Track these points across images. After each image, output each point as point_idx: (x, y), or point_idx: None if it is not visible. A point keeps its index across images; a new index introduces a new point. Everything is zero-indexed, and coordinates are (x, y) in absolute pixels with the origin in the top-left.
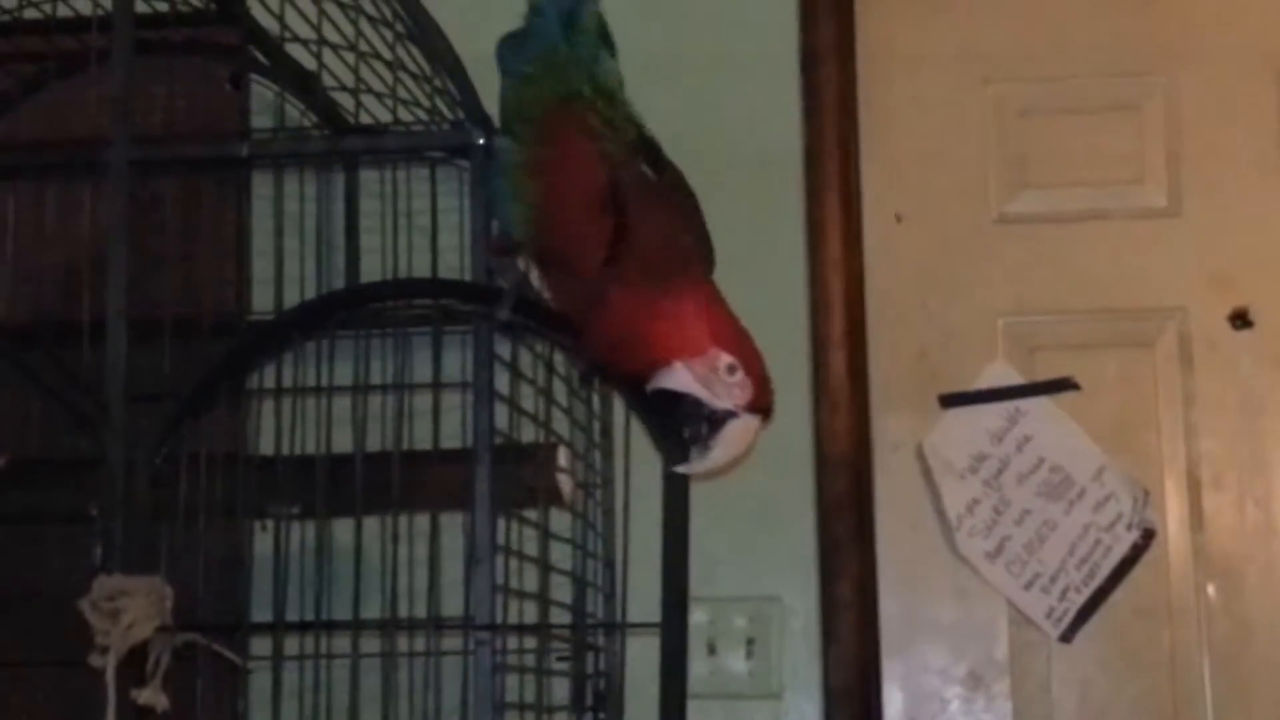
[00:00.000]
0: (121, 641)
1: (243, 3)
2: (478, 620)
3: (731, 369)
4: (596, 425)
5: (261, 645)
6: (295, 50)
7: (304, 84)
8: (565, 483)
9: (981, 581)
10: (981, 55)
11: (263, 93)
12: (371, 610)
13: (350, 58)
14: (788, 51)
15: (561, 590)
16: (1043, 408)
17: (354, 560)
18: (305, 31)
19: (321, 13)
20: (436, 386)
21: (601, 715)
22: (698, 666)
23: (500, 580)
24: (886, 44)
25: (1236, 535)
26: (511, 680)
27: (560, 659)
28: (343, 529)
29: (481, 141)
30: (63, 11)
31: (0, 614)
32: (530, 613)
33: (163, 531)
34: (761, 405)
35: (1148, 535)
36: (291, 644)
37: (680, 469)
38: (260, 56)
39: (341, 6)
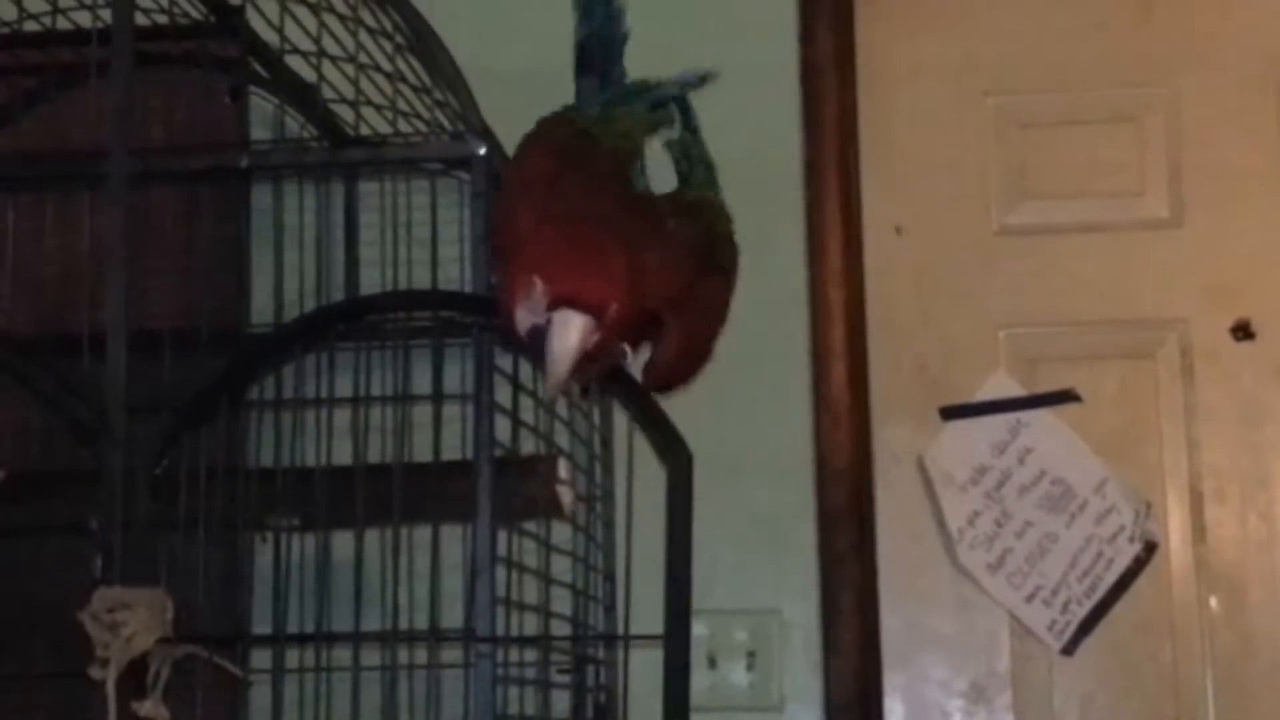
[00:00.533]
0: (122, 654)
1: (242, 15)
2: (479, 632)
3: (535, 287)
4: (597, 437)
5: (262, 658)
6: (295, 62)
7: (304, 96)
8: (566, 495)
9: (983, 594)
10: (982, 67)
11: (262, 105)
12: (372, 622)
13: (350, 70)
14: (787, 63)
15: (561, 602)
16: (1044, 420)
17: (354, 572)
18: (305, 43)
19: (321, 25)
20: (437, 398)
21: None
22: (698, 679)
23: (501, 593)
24: (886, 56)
25: (1239, 547)
26: (512, 693)
27: (561, 671)
28: (343, 541)
29: (482, 152)
30: (62, 24)
31: (0, 626)
32: (531, 625)
33: (163, 544)
34: (562, 297)
35: (1150, 548)
36: (292, 656)
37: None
38: (260, 69)
39: (341, 18)
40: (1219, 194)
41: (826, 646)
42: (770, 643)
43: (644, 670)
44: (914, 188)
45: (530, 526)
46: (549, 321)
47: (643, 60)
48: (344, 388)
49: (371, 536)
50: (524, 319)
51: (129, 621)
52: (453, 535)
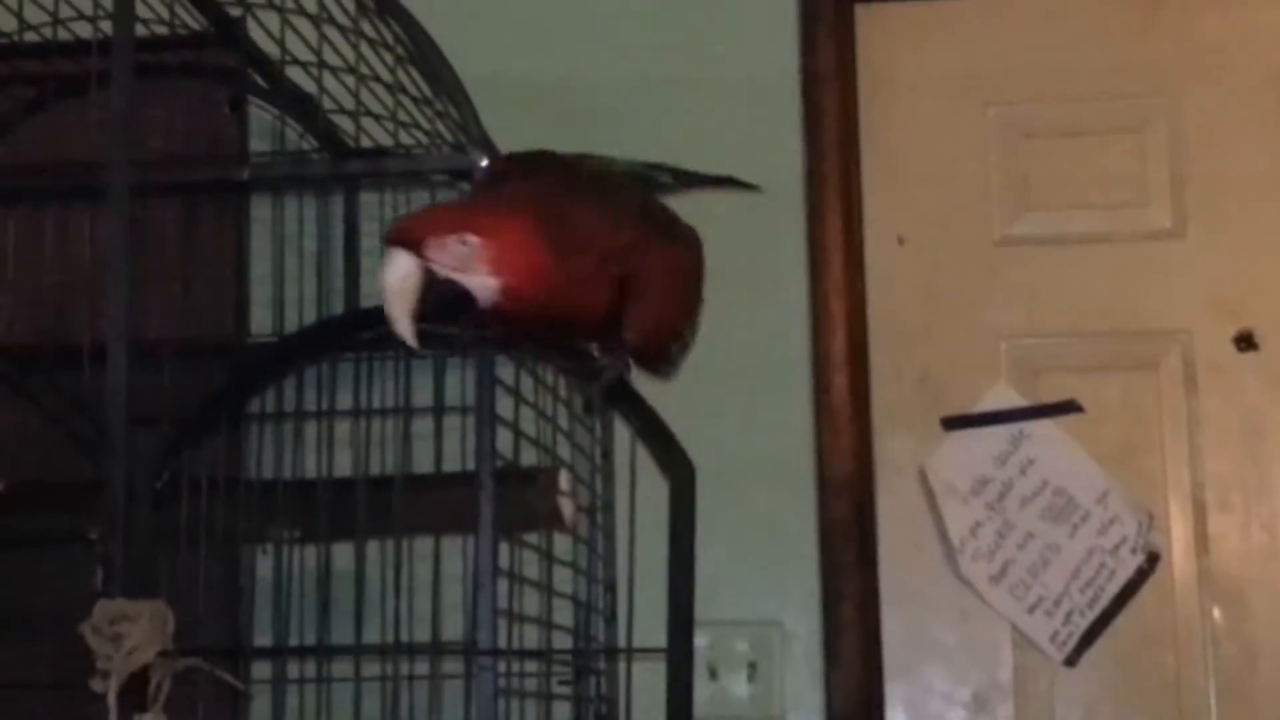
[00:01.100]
0: (123, 666)
1: (242, 26)
2: (480, 645)
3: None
4: (598, 449)
5: (263, 670)
6: (295, 73)
7: (304, 107)
8: (567, 506)
9: (985, 605)
10: (984, 77)
11: (262, 115)
12: (373, 634)
13: (350, 80)
14: (788, 74)
15: (563, 614)
16: (1046, 430)
17: (355, 584)
18: (305, 54)
19: (321, 36)
20: (438, 411)
21: None
22: (699, 690)
23: (502, 605)
24: (888, 66)
25: (1242, 558)
26: (514, 705)
27: (562, 683)
28: (343, 553)
29: (483, 164)
30: (62, 35)
31: (0, 637)
32: (532, 636)
33: (164, 556)
34: (391, 240)
35: (1152, 559)
36: (293, 668)
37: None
38: (260, 79)
39: (341, 30)
40: (1222, 205)
41: (828, 657)
42: (771, 654)
43: (646, 681)
44: (916, 198)
45: (531, 538)
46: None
47: (644, 70)
48: (345, 399)
49: (372, 548)
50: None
51: (130, 634)
52: (453, 546)
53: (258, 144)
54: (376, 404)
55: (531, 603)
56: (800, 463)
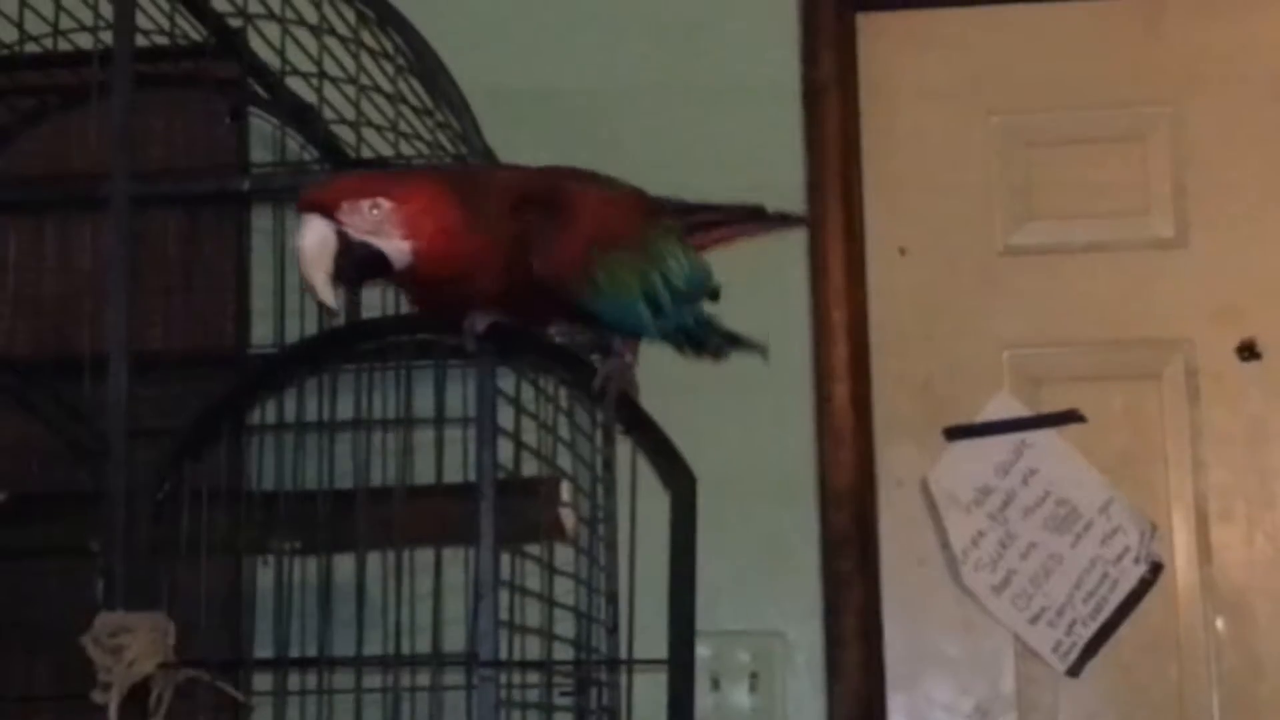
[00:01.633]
0: (124, 678)
1: (243, 36)
2: (481, 657)
3: None
4: (599, 459)
5: (264, 681)
6: (296, 84)
7: (304, 117)
8: (568, 517)
9: (987, 615)
10: (985, 86)
11: (262, 126)
12: (374, 645)
13: (351, 91)
14: (790, 83)
15: (564, 624)
16: (1048, 440)
17: (356, 596)
18: (306, 65)
19: (322, 46)
20: (440, 422)
21: None
22: (701, 702)
23: (504, 616)
24: (889, 75)
25: (1245, 568)
26: (515, 716)
27: (564, 694)
28: (344, 564)
29: None
30: (62, 46)
31: (1, 649)
32: (534, 647)
33: (164, 567)
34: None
35: (1155, 568)
36: (294, 680)
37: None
38: (260, 90)
39: (342, 40)
40: (1225, 213)
41: (830, 668)
42: (773, 664)
43: (647, 693)
44: (917, 208)
45: (533, 549)
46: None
47: (645, 80)
48: (345, 410)
49: (373, 559)
50: None
51: (131, 645)
52: (454, 557)
53: (258, 154)
54: (377, 415)
55: (533, 614)
56: (802, 473)
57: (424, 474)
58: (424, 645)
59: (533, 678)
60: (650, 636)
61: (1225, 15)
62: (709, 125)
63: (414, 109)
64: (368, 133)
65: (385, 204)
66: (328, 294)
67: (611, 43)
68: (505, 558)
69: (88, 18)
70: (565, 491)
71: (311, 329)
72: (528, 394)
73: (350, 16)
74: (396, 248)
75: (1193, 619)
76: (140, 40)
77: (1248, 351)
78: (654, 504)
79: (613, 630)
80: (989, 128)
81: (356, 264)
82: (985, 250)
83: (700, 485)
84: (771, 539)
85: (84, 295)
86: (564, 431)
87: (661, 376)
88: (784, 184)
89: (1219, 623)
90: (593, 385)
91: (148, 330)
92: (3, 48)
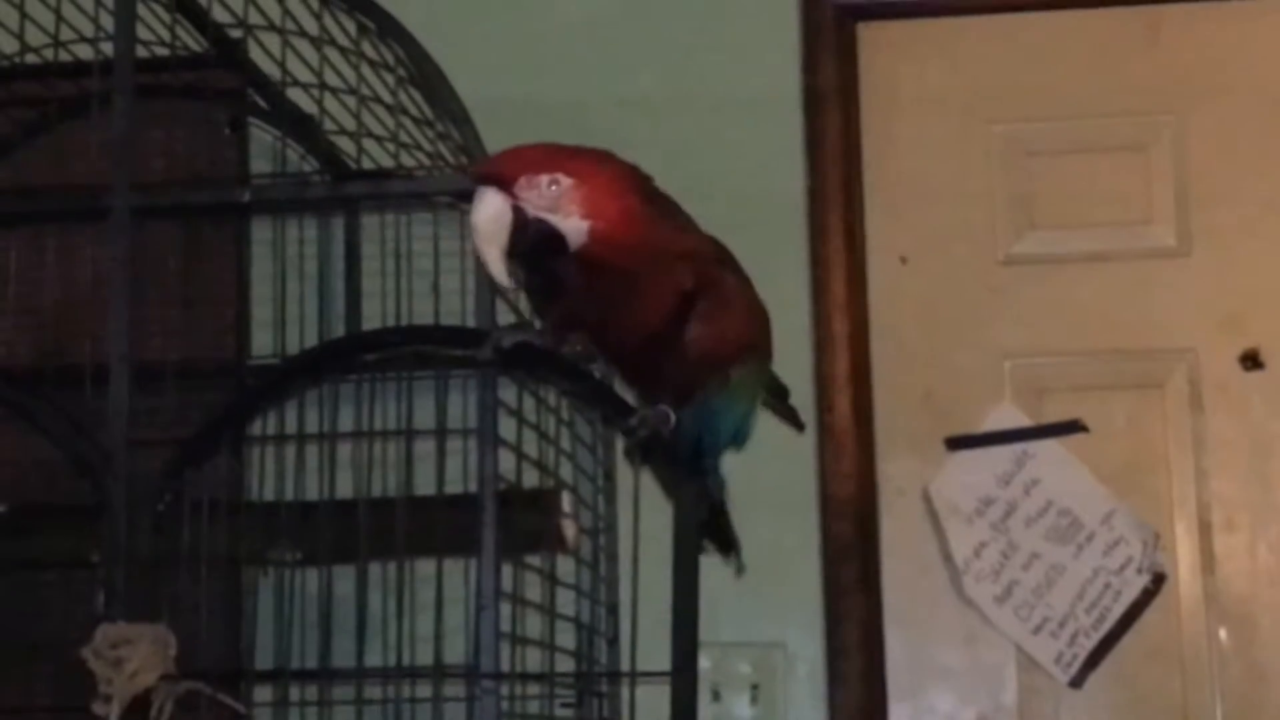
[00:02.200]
0: (125, 690)
1: (243, 47)
2: (483, 669)
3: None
4: (600, 470)
5: (265, 693)
6: (296, 95)
7: (304, 128)
8: (569, 528)
9: (989, 626)
10: (987, 95)
11: (263, 137)
12: (375, 656)
13: (351, 102)
14: (790, 93)
15: (565, 635)
16: (1051, 450)
17: (357, 607)
18: (306, 76)
19: (322, 57)
20: (441, 433)
21: None
22: (702, 712)
23: (505, 627)
24: (890, 85)
25: (1248, 578)
26: None
27: (565, 706)
28: (345, 575)
29: None
30: (63, 57)
31: (2, 661)
32: (534, 659)
33: (165, 579)
34: (479, 177)
35: (1158, 579)
36: (295, 692)
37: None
38: (260, 101)
39: (342, 51)
40: (1227, 223)
41: (831, 679)
42: (774, 675)
43: (649, 704)
44: (918, 217)
45: (534, 560)
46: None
47: (647, 90)
48: (346, 421)
49: (374, 571)
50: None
51: (132, 658)
52: (455, 568)
53: (258, 164)
54: (378, 426)
55: (534, 625)
56: (803, 484)
57: (425, 485)
58: (425, 657)
59: (534, 689)
60: (651, 648)
61: (1227, 25)
62: (710, 135)
63: (414, 120)
64: (368, 144)
65: (565, 180)
66: (500, 271)
67: (612, 53)
68: (506, 569)
69: (88, 29)
70: (566, 502)
71: (311, 340)
72: (529, 405)
73: (351, 27)
74: (575, 226)
75: (1196, 630)
76: (140, 51)
77: (1251, 361)
78: (654, 509)
79: (614, 641)
80: (990, 137)
81: (531, 241)
82: (987, 260)
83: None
84: (772, 549)
85: (85, 306)
86: (565, 443)
87: None
88: (785, 193)
89: (1222, 633)
90: (628, 424)
91: (148, 341)
92: (3, 59)
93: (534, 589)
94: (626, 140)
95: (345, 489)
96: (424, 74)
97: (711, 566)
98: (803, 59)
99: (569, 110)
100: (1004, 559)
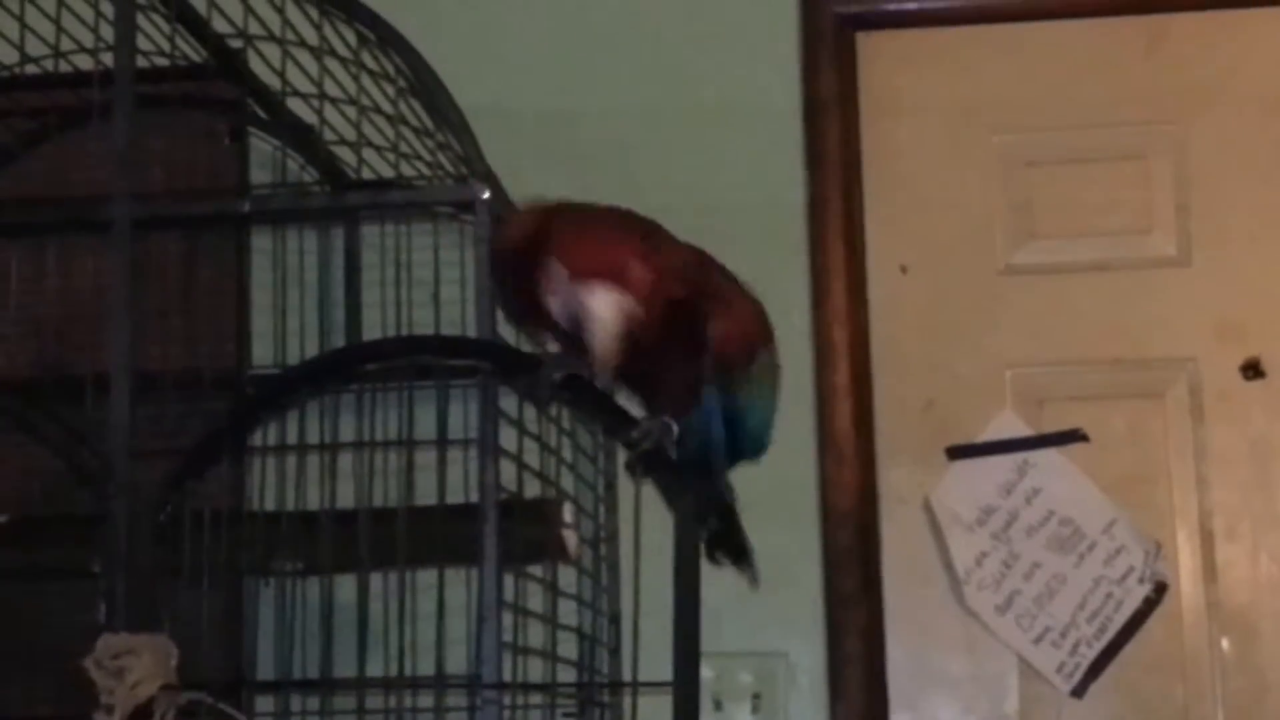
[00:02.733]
0: (126, 700)
1: (243, 57)
2: (484, 679)
3: (563, 272)
4: (601, 480)
5: (266, 703)
6: (296, 105)
7: (304, 138)
8: (570, 538)
9: (991, 635)
10: (987, 105)
11: (263, 147)
12: (376, 666)
13: (351, 112)
14: (790, 102)
15: (567, 646)
16: (1051, 460)
17: (358, 617)
18: (306, 86)
19: (322, 67)
20: (442, 443)
21: None
22: None
23: (506, 637)
24: (890, 94)
25: (1250, 587)
26: None
27: (566, 715)
28: (346, 585)
29: (485, 196)
30: (63, 67)
31: (3, 671)
32: (536, 669)
33: (166, 589)
34: (588, 273)
35: (1160, 588)
36: (296, 702)
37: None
38: (260, 111)
39: (342, 61)
40: (1227, 232)
41: (832, 689)
42: (776, 685)
43: (650, 714)
44: (919, 226)
45: (535, 570)
46: (583, 302)
47: (646, 99)
48: (347, 431)
49: (375, 581)
50: (558, 308)
51: (133, 667)
52: (457, 578)
53: (258, 175)
54: (379, 436)
55: (535, 635)
56: (803, 493)
57: (426, 495)
58: (427, 667)
59: (535, 699)
60: (653, 657)
61: (1227, 34)
62: (710, 144)
63: (415, 130)
64: (368, 154)
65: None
66: (609, 363)
67: (613, 63)
68: (507, 579)
69: (88, 39)
70: (567, 512)
71: (312, 350)
72: (529, 415)
73: (351, 38)
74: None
75: (1198, 639)
76: (140, 61)
77: (1252, 370)
78: (655, 519)
79: (615, 651)
80: (990, 146)
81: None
82: (987, 269)
83: None
84: (773, 559)
85: (85, 317)
86: (566, 452)
87: None
88: (785, 202)
89: (1224, 642)
90: (631, 436)
91: (149, 352)
92: (3, 69)
93: (536, 599)
94: (626, 149)
95: (346, 499)
96: (424, 84)
97: (713, 576)
98: (803, 69)
99: (569, 120)
100: (1005, 568)
